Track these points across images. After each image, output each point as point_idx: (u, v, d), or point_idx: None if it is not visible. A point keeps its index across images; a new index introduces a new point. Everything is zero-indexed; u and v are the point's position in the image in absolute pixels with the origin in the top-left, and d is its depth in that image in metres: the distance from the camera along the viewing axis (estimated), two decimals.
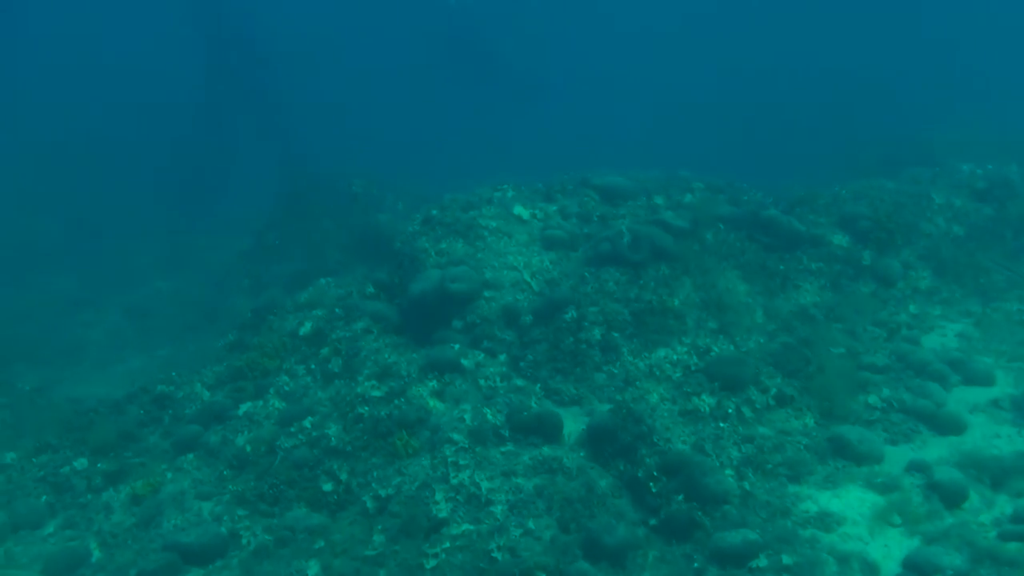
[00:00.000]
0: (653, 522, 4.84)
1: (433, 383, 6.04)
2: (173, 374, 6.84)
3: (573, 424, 5.76)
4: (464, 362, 6.22)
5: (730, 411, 5.55)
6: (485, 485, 4.97)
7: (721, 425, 5.48)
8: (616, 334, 6.35)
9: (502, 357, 6.42)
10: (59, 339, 11.13)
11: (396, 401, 5.83)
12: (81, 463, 5.92)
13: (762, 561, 4.41)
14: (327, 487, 5.35)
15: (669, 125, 18.87)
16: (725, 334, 6.44)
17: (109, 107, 18.71)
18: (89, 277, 13.51)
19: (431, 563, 4.53)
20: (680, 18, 28.56)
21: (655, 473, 5.05)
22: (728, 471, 5.13)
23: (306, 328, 6.81)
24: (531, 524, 4.72)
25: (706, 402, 5.61)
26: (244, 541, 5.06)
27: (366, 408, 5.80)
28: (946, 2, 26.40)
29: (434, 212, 7.46)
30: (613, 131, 18.13)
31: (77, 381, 10.00)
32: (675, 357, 6.07)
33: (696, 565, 4.52)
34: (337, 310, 6.95)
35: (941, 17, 26.63)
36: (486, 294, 6.70)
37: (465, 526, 4.72)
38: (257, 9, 14.44)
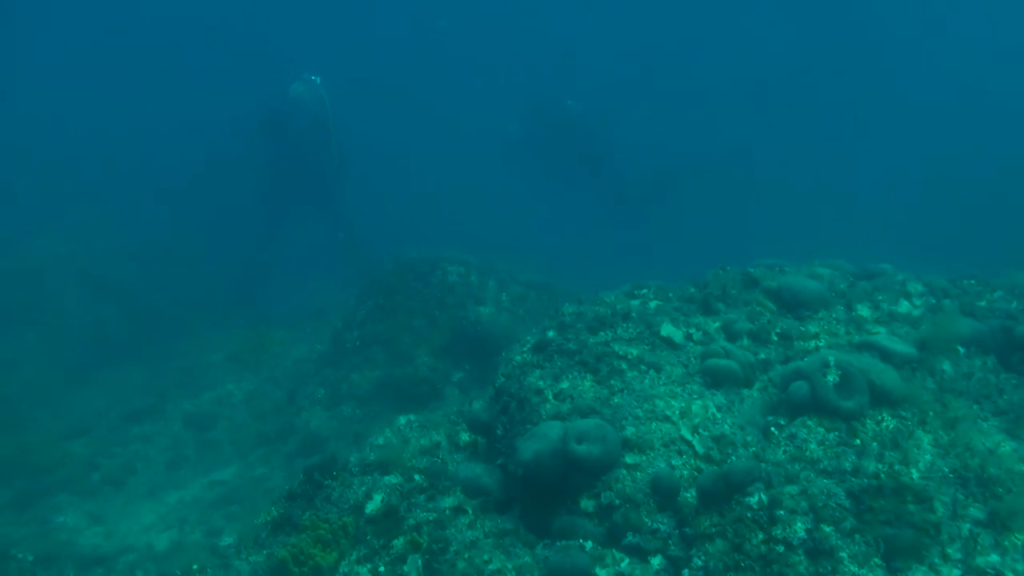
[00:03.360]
0: None
1: None
2: (194, 567, 4.99)
3: None
4: (600, 573, 4.16)
5: None
6: None
7: None
8: (828, 528, 4.18)
9: (656, 561, 4.33)
10: (111, 460, 9.61)
11: None
12: None
13: None
14: None
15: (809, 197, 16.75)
16: (1001, 530, 4.19)
17: (171, 183, 17.75)
18: (155, 373, 12.15)
19: None
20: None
21: None
22: None
23: (375, 504, 4.87)
24: None
25: None
26: None
27: None
28: None
29: (550, 334, 5.46)
30: (746, 206, 15.96)
31: (117, 519, 8.41)
32: None
33: None
34: (417, 476, 4.99)
35: None
36: (628, 460, 4.64)
37: None
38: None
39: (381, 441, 5.61)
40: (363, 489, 5.04)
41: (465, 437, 5.48)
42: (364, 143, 15.64)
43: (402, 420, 5.86)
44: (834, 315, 5.59)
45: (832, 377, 4.72)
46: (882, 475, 4.35)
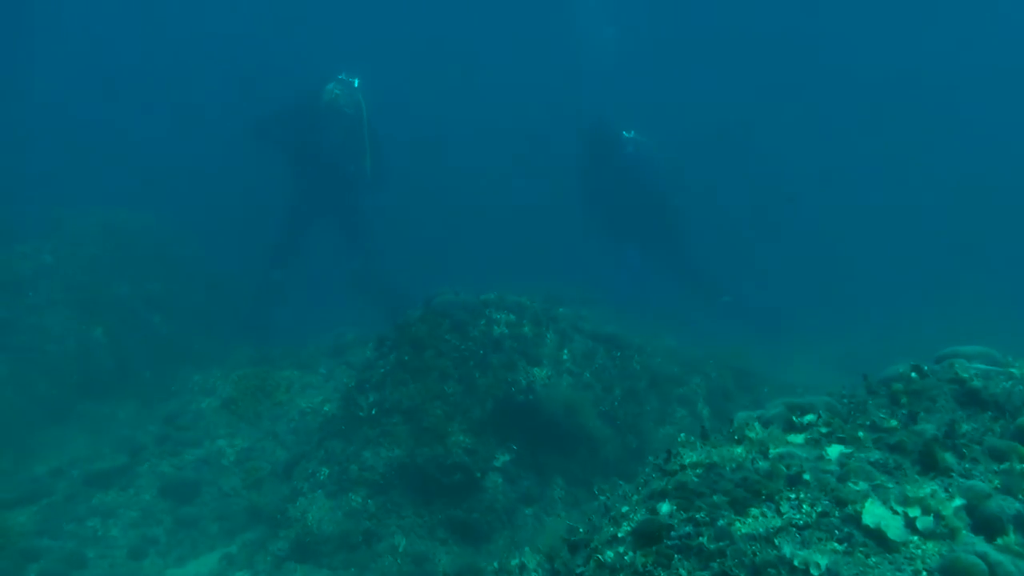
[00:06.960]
0: None
1: None
2: None
3: None
4: None
5: None
6: None
7: None
8: None
9: None
10: (58, 543, 7.58)
11: None
12: None
13: None
14: None
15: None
16: None
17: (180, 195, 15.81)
18: (140, 415, 10.18)
19: None
20: None
21: None
22: None
23: None
24: None
25: None
26: None
27: None
28: None
29: (664, 508, 3.11)
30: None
31: None
32: None
33: None
34: None
35: None
36: None
37: None
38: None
39: None
40: None
41: None
42: (411, 157, 13.52)
43: None
44: None
45: None
46: None
